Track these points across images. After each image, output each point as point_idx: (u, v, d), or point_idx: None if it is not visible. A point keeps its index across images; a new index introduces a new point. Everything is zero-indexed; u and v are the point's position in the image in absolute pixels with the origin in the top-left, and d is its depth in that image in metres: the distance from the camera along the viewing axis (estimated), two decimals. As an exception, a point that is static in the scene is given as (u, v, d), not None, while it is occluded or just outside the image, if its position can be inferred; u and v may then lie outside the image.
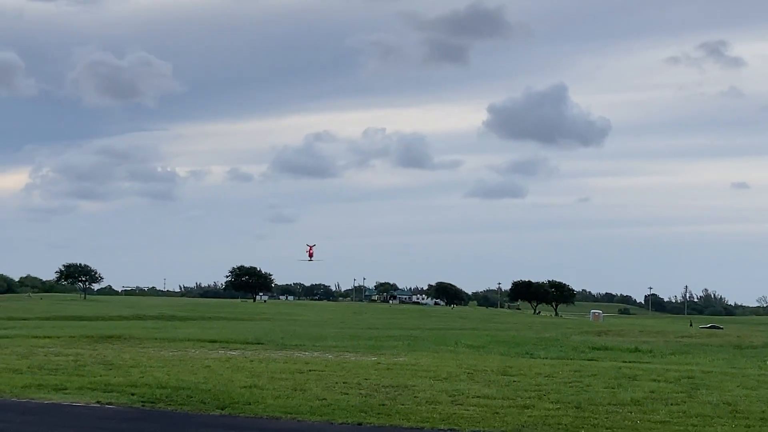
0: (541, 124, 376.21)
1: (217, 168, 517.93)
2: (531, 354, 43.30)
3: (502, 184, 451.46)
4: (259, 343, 46.31)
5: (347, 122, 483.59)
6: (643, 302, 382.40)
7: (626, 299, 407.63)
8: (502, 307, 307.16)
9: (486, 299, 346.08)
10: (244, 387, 25.38)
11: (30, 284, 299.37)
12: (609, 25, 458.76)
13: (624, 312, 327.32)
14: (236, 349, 41.44)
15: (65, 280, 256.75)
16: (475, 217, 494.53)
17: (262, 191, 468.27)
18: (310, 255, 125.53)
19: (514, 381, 28.53)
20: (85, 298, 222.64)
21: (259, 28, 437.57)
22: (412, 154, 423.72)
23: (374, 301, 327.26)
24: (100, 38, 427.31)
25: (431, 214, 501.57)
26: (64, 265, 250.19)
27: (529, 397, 24.41)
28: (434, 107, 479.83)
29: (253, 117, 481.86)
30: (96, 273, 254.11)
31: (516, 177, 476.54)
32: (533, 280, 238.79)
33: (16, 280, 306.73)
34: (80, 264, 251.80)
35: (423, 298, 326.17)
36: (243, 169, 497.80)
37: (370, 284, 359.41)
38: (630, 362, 39.13)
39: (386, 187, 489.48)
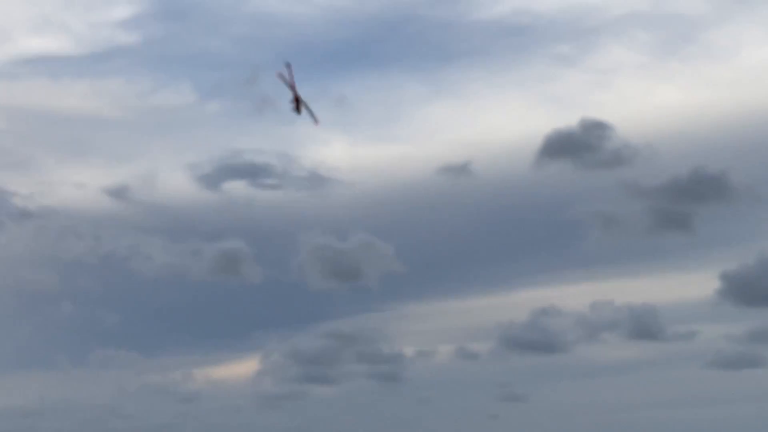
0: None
1: (444, 347, 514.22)
2: None
3: (742, 353, 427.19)
4: None
5: (573, 295, 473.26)
6: None
7: None
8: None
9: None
10: None
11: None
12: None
13: None
14: None
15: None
16: (715, 390, 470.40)
17: (491, 369, 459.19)
18: (297, 106, 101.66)
19: None
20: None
21: (478, 204, 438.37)
22: (644, 325, 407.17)
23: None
24: (324, 223, 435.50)
25: (668, 388, 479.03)
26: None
27: None
28: (663, 276, 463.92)
29: (476, 294, 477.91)
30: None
31: (756, 346, 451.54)
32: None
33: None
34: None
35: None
36: (470, 347, 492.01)
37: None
38: None
39: (619, 361, 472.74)
